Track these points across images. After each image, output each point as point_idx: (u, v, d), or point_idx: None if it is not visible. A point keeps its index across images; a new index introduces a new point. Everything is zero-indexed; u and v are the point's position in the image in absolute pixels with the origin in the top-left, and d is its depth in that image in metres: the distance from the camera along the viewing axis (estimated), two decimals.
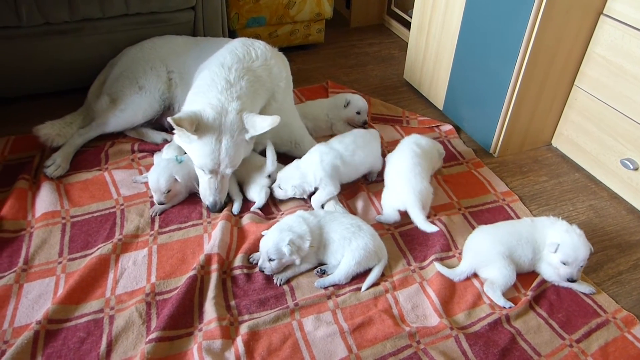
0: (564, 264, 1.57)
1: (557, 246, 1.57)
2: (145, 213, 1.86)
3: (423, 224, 1.76)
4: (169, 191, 1.83)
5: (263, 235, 1.64)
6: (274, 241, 1.56)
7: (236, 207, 1.87)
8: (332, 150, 1.89)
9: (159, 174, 1.82)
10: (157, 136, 2.23)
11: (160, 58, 2.23)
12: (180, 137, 1.73)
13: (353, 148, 1.91)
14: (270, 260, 1.58)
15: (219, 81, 1.75)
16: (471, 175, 2.14)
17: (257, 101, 1.82)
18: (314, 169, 1.85)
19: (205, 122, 1.68)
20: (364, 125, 2.34)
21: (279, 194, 1.90)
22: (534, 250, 1.62)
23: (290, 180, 1.87)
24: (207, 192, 1.80)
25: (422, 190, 1.79)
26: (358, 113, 2.32)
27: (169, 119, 1.62)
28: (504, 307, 1.56)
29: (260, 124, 1.69)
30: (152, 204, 1.90)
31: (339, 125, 2.31)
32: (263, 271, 1.61)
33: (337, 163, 1.86)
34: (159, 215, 1.86)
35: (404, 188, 1.80)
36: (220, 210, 1.84)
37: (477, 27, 2.20)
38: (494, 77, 2.16)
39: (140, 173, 2.05)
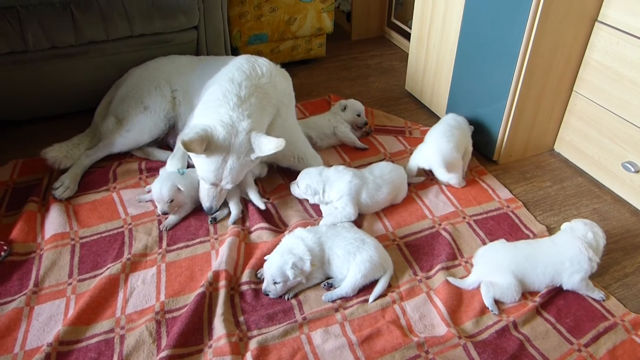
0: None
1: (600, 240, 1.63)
2: (153, 232, 1.87)
3: (443, 176, 2.02)
4: (172, 201, 1.84)
5: (265, 260, 1.64)
6: (277, 265, 1.57)
7: (232, 218, 1.89)
8: (363, 177, 1.91)
9: (161, 183, 1.85)
10: (163, 155, 2.26)
11: (165, 77, 2.27)
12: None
13: (379, 183, 1.92)
14: (275, 283, 1.59)
15: (230, 97, 1.75)
16: (475, 183, 2.14)
17: (265, 118, 1.83)
18: (340, 185, 1.87)
19: (215, 141, 1.69)
20: (365, 125, 2.40)
21: (294, 191, 1.96)
22: (554, 276, 1.59)
23: (307, 179, 1.89)
24: (204, 198, 1.84)
25: (445, 152, 1.98)
26: (358, 115, 2.38)
27: (179, 142, 1.61)
28: (490, 309, 1.56)
29: (267, 146, 1.69)
30: (160, 221, 1.92)
31: (342, 128, 2.34)
32: (268, 294, 1.61)
33: (362, 191, 1.89)
34: (168, 231, 1.88)
35: (430, 147, 2.02)
36: (214, 212, 1.88)
37: (475, 37, 2.22)
38: (493, 85, 2.17)
39: (148, 192, 2.06)
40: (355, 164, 2.24)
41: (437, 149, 2.00)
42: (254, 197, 1.96)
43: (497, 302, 1.60)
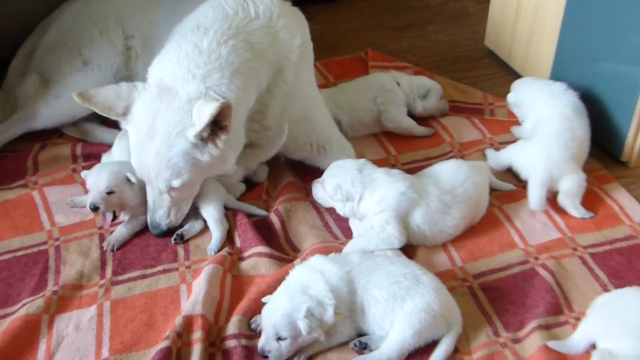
0: None
1: None
2: (92, 252, 1.89)
3: (535, 202, 2.02)
4: (111, 193, 1.88)
5: (265, 303, 1.65)
6: (284, 312, 1.56)
7: (213, 244, 1.93)
8: (423, 192, 1.92)
9: (102, 166, 1.92)
10: (108, 135, 2.29)
11: (115, 17, 2.30)
12: None
13: (448, 202, 1.93)
14: (279, 339, 1.58)
15: (183, 47, 1.81)
16: (593, 196, 2.14)
17: (250, 81, 1.86)
18: (386, 193, 1.88)
19: (139, 106, 1.75)
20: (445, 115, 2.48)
21: (317, 193, 1.98)
22: None
23: (339, 176, 1.90)
24: (149, 205, 1.90)
25: (557, 162, 2.04)
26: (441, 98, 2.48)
27: (74, 94, 1.69)
28: None
29: (203, 116, 1.67)
30: (102, 235, 1.94)
31: (394, 113, 2.36)
32: (266, 357, 1.60)
33: (414, 210, 1.90)
34: (114, 251, 1.90)
35: (537, 151, 2.09)
36: (162, 235, 1.91)
37: None
38: (627, 46, 2.15)
39: (86, 192, 2.04)
40: (404, 159, 2.25)
41: (545, 156, 2.06)
42: (209, 213, 1.99)
43: None
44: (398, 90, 2.40)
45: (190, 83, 1.74)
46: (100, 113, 1.76)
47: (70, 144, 2.25)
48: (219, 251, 1.91)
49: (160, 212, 1.87)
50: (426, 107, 2.43)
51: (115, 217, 1.94)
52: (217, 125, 1.71)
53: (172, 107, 1.72)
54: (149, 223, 1.90)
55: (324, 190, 1.94)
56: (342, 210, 1.94)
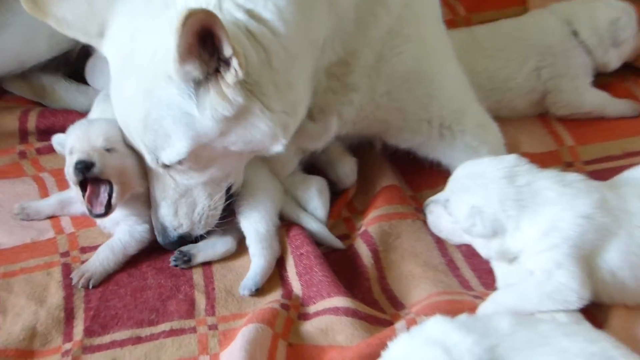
0: None
1: None
2: (49, 294, 1.87)
3: None
4: (110, 150, 1.85)
5: None
6: None
7: (250, 277, 1.90)
8: (619, 213, 1.82)
9: (96, 119, 2.00)
10: (78, 96, 2.28)
11: None
12: None
13: None
14: None
15: None
16: None
17: (315, 3, 1.80)
18: (555, 216, 1.77)
19: (119, 21, 1.76)
20: None
21: (439, 223, 1.92)
22: None
23: (476, 193, 1.81)
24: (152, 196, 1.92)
25: None
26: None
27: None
28: None
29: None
30: (68, 266, 1.91)
31: (568, 94, 2.30)
32: None
33: (608, 246, 1.79)
34: (91, 288, 1.85)
35: None
36: (174, 247, 1.91)
37: None
38: None
39: (44, 192, 2.03)
40: (588, 153, 2.20)
41: None
42: (251, 225, 1.96)
43: None
44: (576, 50, 2.34)
45: None
46: (60, 30, 1.73)
47: (17, 111, 2.23)
48: (257, 291, 1.84)
49: (164, 207, 1.81)
50: (623, 55, 2.38)
51: (110, 205, 1.81)
52: (222, 60, 1.60)
53: (156, 24, 1.63)
54: (154, 225, 1.84)
55: (450, 217, 1.78)
56: (484, 249, 1.83)
